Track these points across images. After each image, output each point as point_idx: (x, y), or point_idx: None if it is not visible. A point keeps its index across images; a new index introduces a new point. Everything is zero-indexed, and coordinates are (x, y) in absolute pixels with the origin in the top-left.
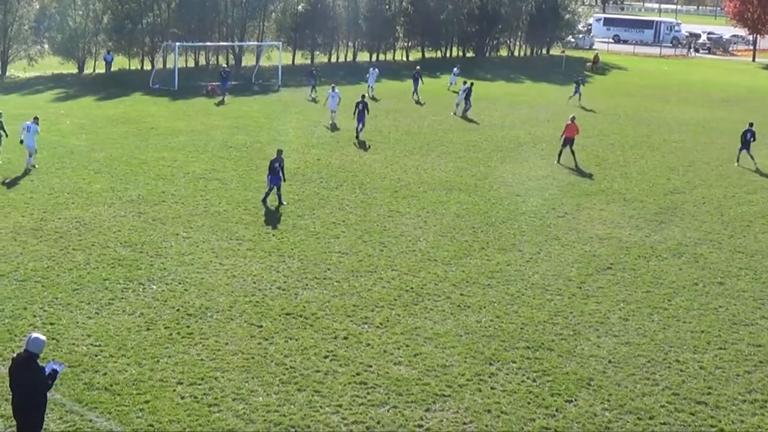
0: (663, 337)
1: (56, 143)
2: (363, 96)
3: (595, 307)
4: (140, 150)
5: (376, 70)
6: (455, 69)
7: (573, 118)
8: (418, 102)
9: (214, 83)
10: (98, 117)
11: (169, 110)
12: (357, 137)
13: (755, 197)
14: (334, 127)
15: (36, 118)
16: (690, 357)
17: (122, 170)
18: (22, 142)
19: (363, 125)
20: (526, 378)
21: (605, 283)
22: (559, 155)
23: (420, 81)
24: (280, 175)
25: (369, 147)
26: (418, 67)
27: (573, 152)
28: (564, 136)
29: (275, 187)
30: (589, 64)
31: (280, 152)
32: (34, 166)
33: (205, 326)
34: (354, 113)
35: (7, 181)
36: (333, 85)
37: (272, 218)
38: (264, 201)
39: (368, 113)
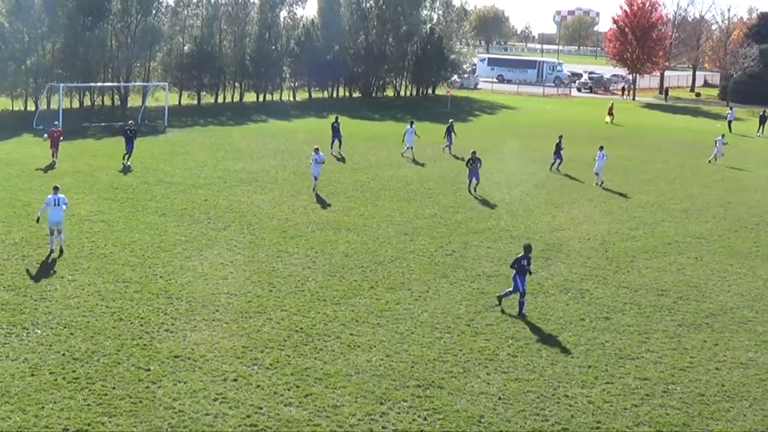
0: (552, 372)
1: None
2: (473, 152)
3: (485, 344)
4: (24, 192)
5: (413, 127)
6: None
7: None
8: (455, 156)
9: (54, 129)
10: None
11: None
12: (473, 191)
13: (638, 233)
14: (319, 198)
15: (56, 188)
16: (578, 392)
17: (5, 213)
18: (38, 220)
19: (477, 179)
20: (417, 417)
21: (494, 320)
22: None
23: (453, 133)
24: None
25: (256, 187)
26: (451, 120)
27: None
28: None
29: (519, 293)
30: (609, 118)
31: (528, 248)
32: (60, 249)
33: (91, 371)
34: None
35: None
36: (316, 147)
37: (159, 260)
38: (500, 299)
39: (481, 166)
